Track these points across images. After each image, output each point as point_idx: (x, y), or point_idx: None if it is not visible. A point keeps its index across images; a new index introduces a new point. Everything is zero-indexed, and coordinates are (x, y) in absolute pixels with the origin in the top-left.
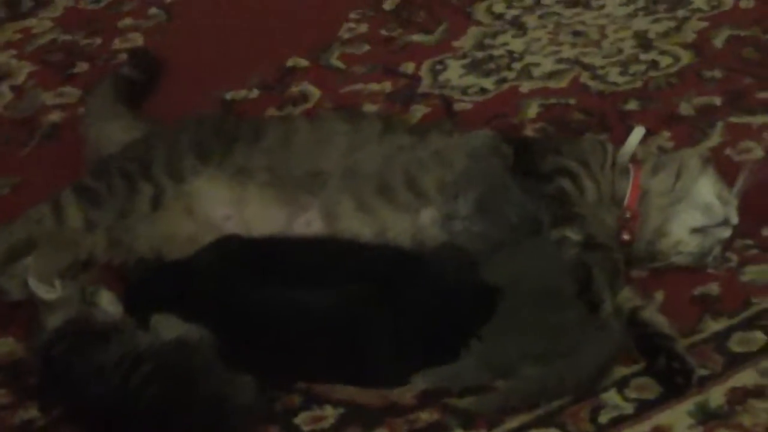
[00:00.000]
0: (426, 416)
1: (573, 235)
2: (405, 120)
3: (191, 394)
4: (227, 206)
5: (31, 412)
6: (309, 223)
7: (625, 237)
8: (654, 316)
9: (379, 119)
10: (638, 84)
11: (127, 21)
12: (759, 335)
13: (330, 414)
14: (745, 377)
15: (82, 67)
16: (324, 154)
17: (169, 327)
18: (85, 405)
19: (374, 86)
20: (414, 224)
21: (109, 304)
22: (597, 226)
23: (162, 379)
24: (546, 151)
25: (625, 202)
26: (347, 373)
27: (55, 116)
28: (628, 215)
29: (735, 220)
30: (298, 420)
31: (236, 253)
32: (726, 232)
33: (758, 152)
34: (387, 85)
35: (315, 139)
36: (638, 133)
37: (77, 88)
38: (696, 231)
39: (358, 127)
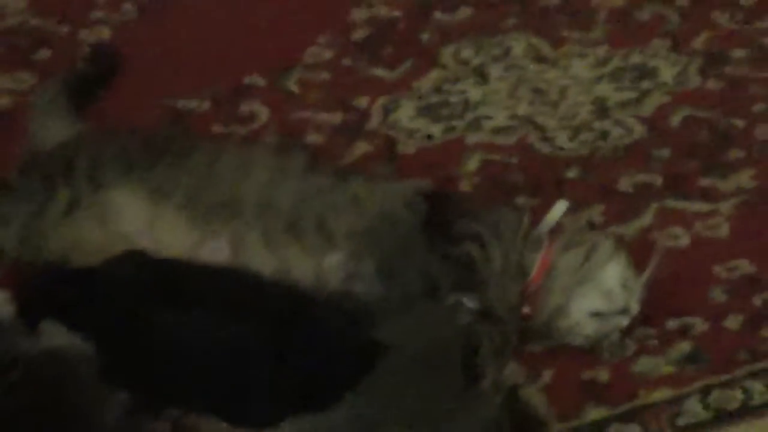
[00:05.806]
0: None
1: (469, 302)
2: (332, 161)
3: (55, 407)
4: (140, 221)
5: None
6: (216, 251)
7: (526, 311)
8: (533, 395)
9: (306, 156)
10: (584, 152)
11: (99, 13)
12: (636, 429)
13: None
14: None
15: (45, 53)
16: (244, 184)
17: (53, 335)
18: None
19: (324, 116)
20: (318, 267)
21: (1, 303)
22: (497, 297)
23: (28, 387)
24: (461, 213)
25: (531, 275)
26: (221, 409)
27: (5, 101)
28: (531, 289)
29: (635, 310)
30: None
31: (140, 271)
32: (624, 321)
33: (684, 240)
34: (337, 117)
35: (239, 167)
36: (561, 207)
37: (35, 75)
38: (594, 315)
39: (283, 161)
